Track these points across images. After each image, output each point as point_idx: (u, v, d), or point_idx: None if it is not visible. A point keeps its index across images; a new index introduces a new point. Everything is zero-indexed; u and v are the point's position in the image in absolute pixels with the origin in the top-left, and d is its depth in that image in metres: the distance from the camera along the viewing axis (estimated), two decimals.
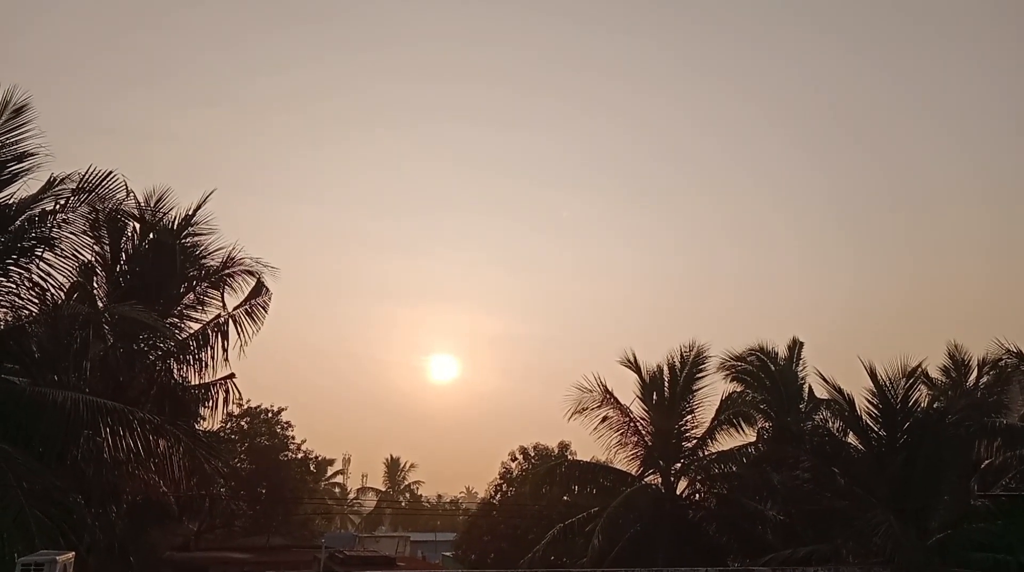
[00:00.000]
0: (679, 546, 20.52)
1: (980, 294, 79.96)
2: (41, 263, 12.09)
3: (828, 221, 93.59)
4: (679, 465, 21.89)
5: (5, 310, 12.18)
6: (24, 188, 11.91)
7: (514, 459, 36.31)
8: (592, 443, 22.79)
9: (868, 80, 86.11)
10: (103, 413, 11.63)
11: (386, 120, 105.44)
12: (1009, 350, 19.48)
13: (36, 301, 12.56)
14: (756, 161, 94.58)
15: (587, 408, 21.92)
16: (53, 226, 11.94)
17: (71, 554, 8.80)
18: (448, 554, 41.75)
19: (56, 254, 12.18)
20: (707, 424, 21.83)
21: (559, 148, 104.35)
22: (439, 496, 78.85)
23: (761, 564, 19.12)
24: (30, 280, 12.16)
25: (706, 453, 21.75)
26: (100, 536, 14.81)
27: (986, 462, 17.98)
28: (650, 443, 21.82)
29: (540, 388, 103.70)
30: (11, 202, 11.82)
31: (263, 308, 17.14)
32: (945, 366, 23.64)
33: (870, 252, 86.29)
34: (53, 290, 12.65)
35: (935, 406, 19.57)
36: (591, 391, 21.98)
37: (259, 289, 17.26)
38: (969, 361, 23.41)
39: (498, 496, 35.73)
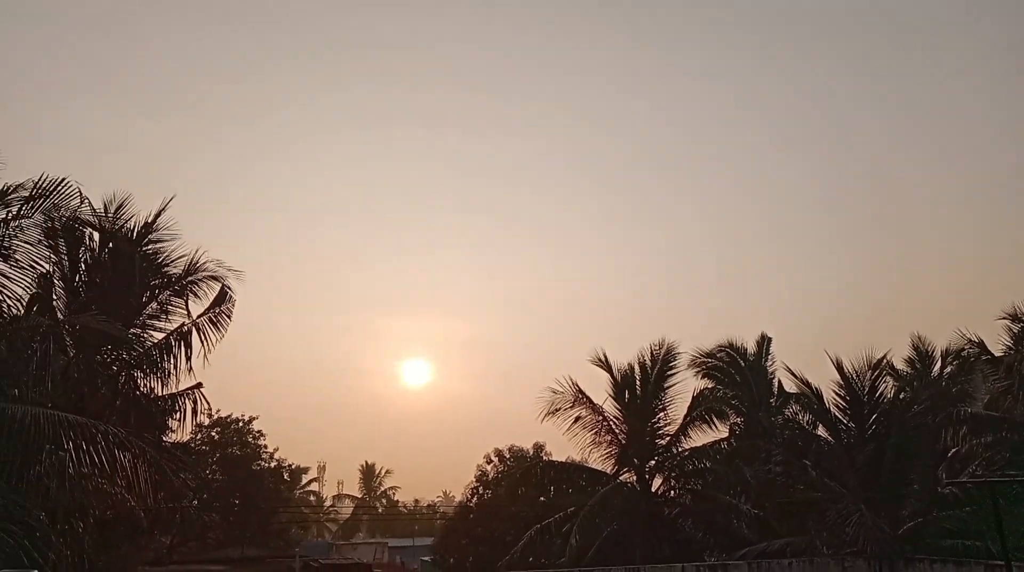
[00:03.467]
0: (656, 543, 20.60)
1: (949, 286, 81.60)
2: None
3: (808, 219, 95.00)
4: (653, 462, 21.97)
5: None
6: None
7: (489, 461, 36.20)
8: (567, 443, 22.94)
9: (853, 85, 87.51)
10: (65, 427, 11.33)
11: (354, 124, 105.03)
12: (971, 340, 19.84)
13: None
14: (734, 160, 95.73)
15: (560, 409, 21.93)
16: (7, 236, 11.62)
17: None
18: (427, 559, 41.50)
19: (11, 265, 11.85)
20: (680, 421, 21.95)
21: (535, 151, 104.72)
22: (416, 501, 78.46)
23: (737, 558, 19.27)
24: None
25: (679, 450, 21.84)
26: (67, 553, 14.46)
27: (953, 450, 18.27)
28: (624, 441, 21.87)
29: (514, 390, 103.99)
30: None
31: (227, 315, 16.85)
32: (910, 358, 24.01)
33: (846, 247, 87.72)
34: (10, 301, 12.32)
35: (901, 397, 19.87)
36: (563, 392, 22.00)
37: (223, 296, 16.97)
38: (933, 352, 23.81)
39: (475, 499, 35.56)
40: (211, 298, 17.31)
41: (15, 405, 11.34)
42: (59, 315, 15.51)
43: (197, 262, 17.17)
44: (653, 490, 21.91)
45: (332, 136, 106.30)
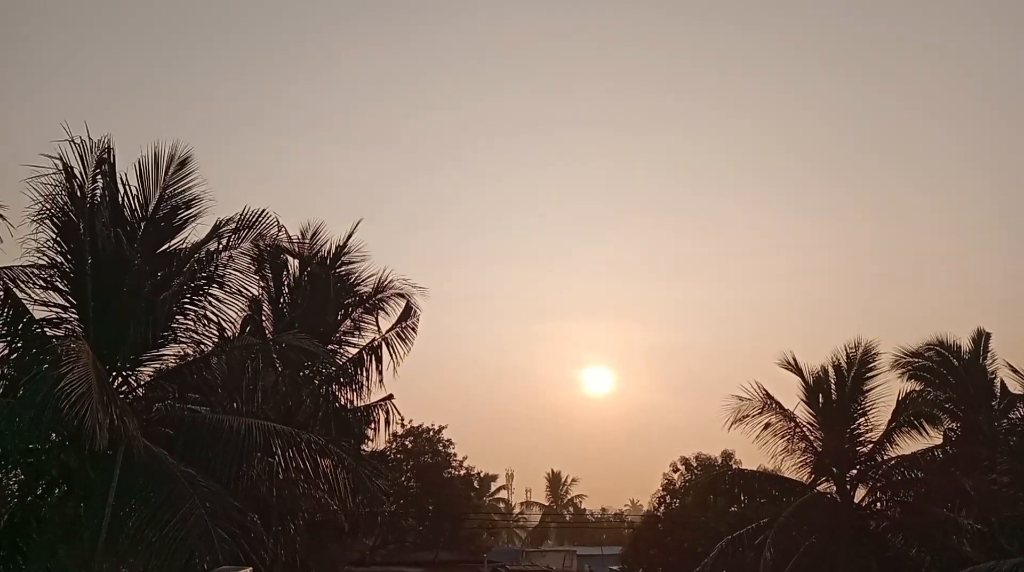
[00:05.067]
0: (861, 559, 19.09)
1: None
2: (213, 300, 13.14)
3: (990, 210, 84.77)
4: (855, 472, 20.38)
5: (186, 345, 13.34)
6: (193, 233, 13.07)
7: (676, 470, 35.35)
8: (756, 451, 21.73)
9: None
10: (273, 436, 12.44)
11: (526, 129, 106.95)
12: None
13: (212, 335, 13.65)
14: (905, 153, 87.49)
15: (747, 416, 20.93)
16: (220, 265, 12.97)
17: (248, 569, 9.44)
18: (615, 568, 41.18)
19: (225, 291, 13.20)
20: (883, 427, 20.20)
21: (703, 150, 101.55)
22: (603, 509, 78.17)
23: None
24: (205, 316, 13.23)
25: (885, 458, 20.12)
26: (281, 552, 15.84)
27: None
28: (820, 449, 20.50)
29: (697, 397, 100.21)
30: (184, 246, 12.96)
31: (413, 329, 17.85)
32: None
33: None
34: (225, 324, 13.72)
35: None
36: (750, 398, 21.00)
37: (408, 311, 17.99)
38: None
39: (662, 508, 34.89)
40: (398, 314, 18.40)
41: (233, 417, 12.60)
42: (267, 335, 17.09)
43: (385, 280, 18.36)
44: (856, 502, 20.33)
45: (496, 140, 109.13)
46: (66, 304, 12.24)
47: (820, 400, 20.80)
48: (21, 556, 11.67)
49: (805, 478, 20.78)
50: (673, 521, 32.65)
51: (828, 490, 20.49)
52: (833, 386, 20.77)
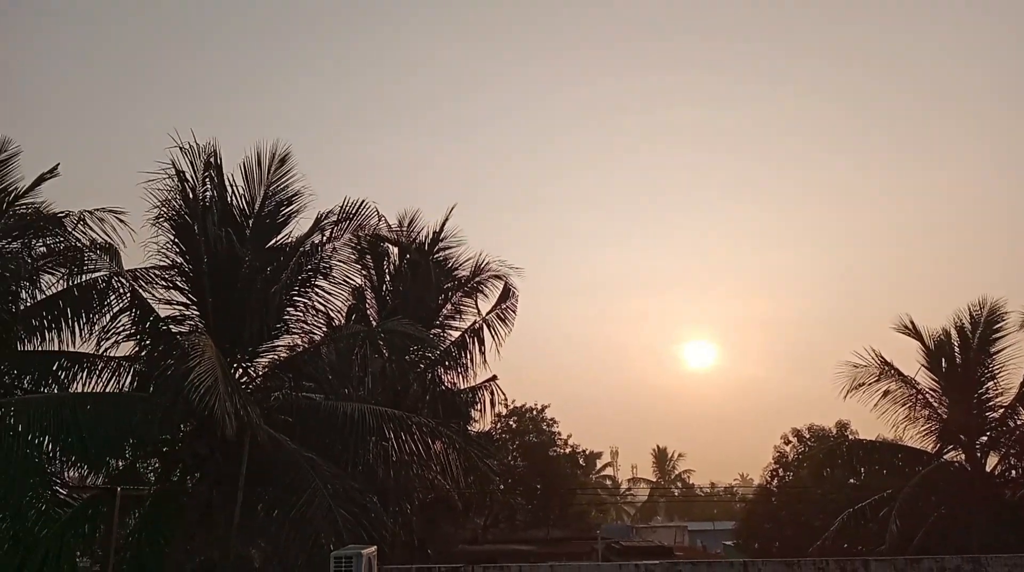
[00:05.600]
0: (997, 530, 17.97)
1: None
2: (320, 291, 13.60)
3: None
4: (985, 439, 19.20)
5: (297, 335, 13.87)
6: (296, 227, 13.55)
7: (787, 442, 34.28)
8: (874, 421, 20.79)
9: None
10: (386, 420, 12.79)
11: (620, 111, 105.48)
12: None
13: (321, 325, 14.14)
14: None
15: (864, 383, 20.01)
16: (324, 257, 13.40)
17: (373, 548, 9.76)
18: (729, 543, 40.48)
19: (330, 282, 13.64)
20: (1015, 390, 18.93)
21: (813, 106, 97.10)
22: (712, 484, 76.93)
23: None
24: (313, 307, 13.72)
25: (1019, 423, 18.84)
26: (400, 531, 16.33)
27: None
28: (945, 416, 19.39)
29: (806, 368, 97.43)
30: (289, 241, 13.46)
31: (512, 310, 17.94)
32: None
33: None
34: (333, 314, 14.18)
35: None
36: (866, 365, 20.05)
37: (507, 293, 18.09)
38: None
39: (775, 481, 33.95)
40: (496, 294, 18.54)
41: (346, 402, 13.03)
42: (372, 322, 17.56)
43: (482, 263, 18.50)
44: (988, 470, 19.15)
45: (591, 124, 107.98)
46: (187, 302, 12.96)
47: (943, 365, 19.67)
48: (163, 539, 12.46)
49: (930, 447, 19.74)
50: (787, 494, 31.76)
51: (956, 459, 19.40)
52: (957, 350, 19.60)
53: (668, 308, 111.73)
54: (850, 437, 29.94)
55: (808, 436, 33.78)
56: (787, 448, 34.13)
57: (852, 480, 25.94)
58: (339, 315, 14.96)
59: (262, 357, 13.47)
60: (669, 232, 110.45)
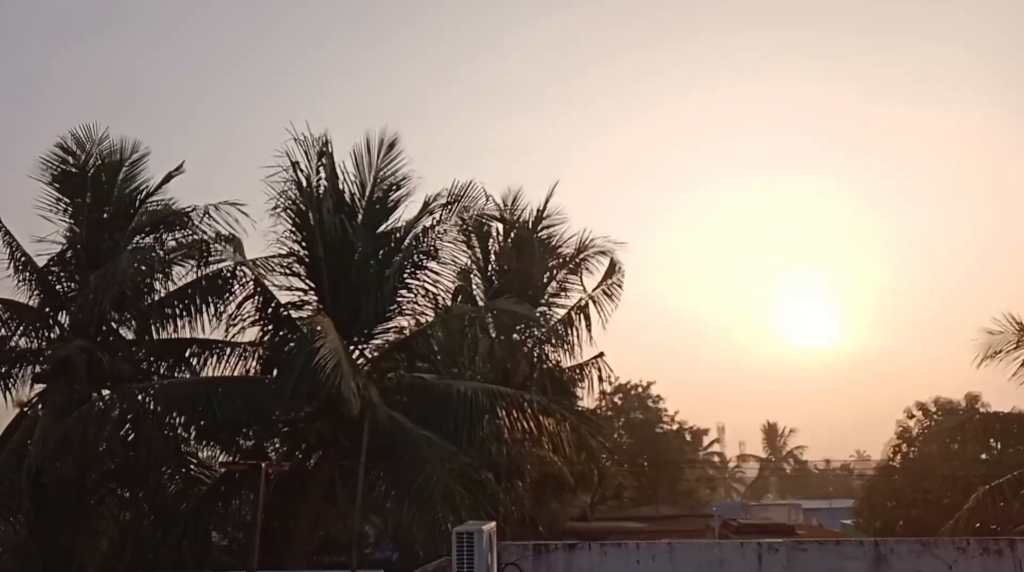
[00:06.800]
0: None
1: None
2: (430, 273, 13.85)
3: None
4: None
5: (410, 317, 14.18)
6: (405, 211, 13.81)
7: (911, 416, 32.60)
8: (1011, 391, 19.40)
9: None
10: (497, 398, 12.90)
11: (724, 83, 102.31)
12: None
13: (431, 306, 14.39)
14: None
15: (1000, 351, 18.67)
16: (433, 239, 13.61)
17: (492, 524, 9.87)
18: (848, 521, 39.00)
19: (439, 263, 13.87)
20: None
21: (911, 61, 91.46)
22: (827, 461, 74.08)
23: None
24: (423, 289, 13.98)
25: None
26: (512, 508, 16.53)
27: None
28: None
29: (929, 338, 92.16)
30: (399, 225, 13.73)
31: (618, 286, 17.75)
32: None
33: None
34: (442, 295, 14.40)
35: None
36: (1003, 332, 18.69)
37: (612, 268, 17.88)
38: None
39: (898, 458, 32.41)
40: (601, 271, 18.36)
41: (459, 381, 13.24)
42: (479, 302, 17.75)
43: (586, 240, 18.35)
44: None
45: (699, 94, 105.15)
46: (305, 287, 13.46)
47: None
48: (290, 517, 13.06)
49: None
50: (912, 471, 30.25)
51: None
52: None
53: (778, 280, 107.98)
54: (982, 409, 28.20)
55: (935, 409, 32.04)
56: (911, 422, 32.50)
57: (984, 455, 24.48)
58: (447, 295, 15.17)
59: (376, 339, 13.85)
60: (781, 198, 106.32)
